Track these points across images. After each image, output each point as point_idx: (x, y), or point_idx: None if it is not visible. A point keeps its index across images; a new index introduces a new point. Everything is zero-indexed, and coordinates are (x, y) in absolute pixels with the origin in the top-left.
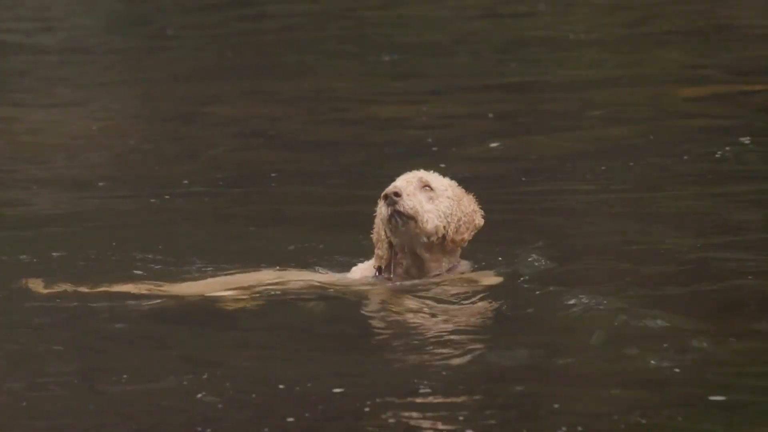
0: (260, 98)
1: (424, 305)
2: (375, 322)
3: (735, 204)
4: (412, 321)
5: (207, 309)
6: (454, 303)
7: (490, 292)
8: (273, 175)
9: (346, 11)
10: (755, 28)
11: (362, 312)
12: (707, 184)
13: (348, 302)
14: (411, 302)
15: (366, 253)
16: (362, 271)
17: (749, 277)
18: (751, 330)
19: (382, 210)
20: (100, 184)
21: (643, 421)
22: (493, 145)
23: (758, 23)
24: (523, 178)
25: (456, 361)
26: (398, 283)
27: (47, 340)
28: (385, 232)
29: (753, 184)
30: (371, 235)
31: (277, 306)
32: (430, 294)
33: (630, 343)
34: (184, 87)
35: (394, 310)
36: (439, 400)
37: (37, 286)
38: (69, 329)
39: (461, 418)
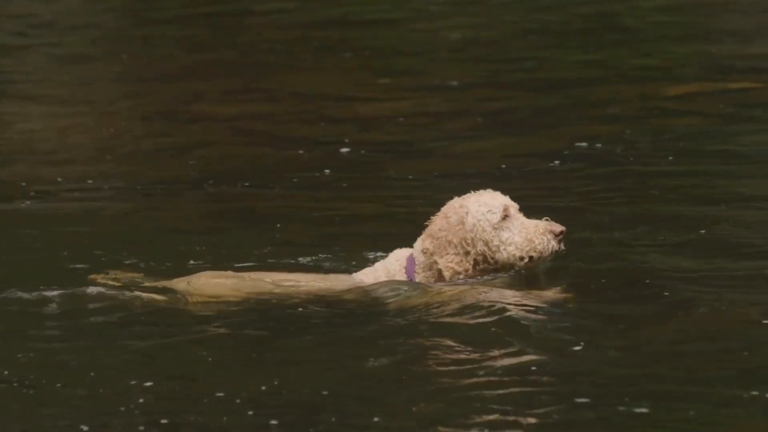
0: (245, 96)
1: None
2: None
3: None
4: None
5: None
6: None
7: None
8: (259, 173)
9: (329, 8)
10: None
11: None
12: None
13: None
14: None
15: (353, 250)
16: (387, 274)
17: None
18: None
19: (547, 244)
20: (89, 182)
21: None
22: (479, 143)
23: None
24: (510, 177)
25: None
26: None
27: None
28: (513, 256)
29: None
30: (426, 246)
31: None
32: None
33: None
34: (168, 85)
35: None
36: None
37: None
38: (64, 330)
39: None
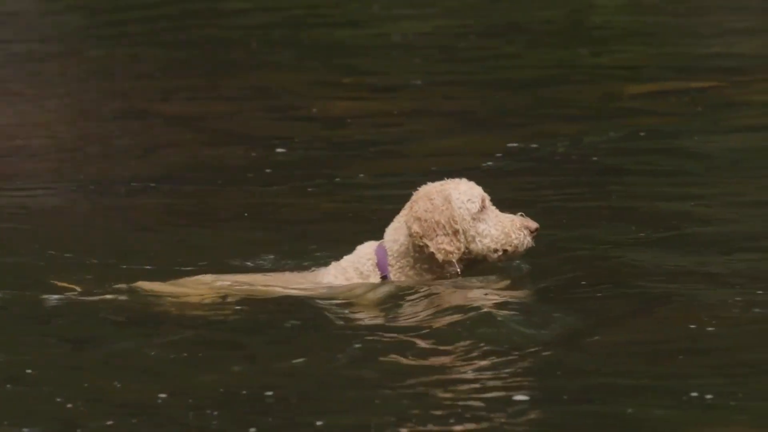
0: (210, 95)
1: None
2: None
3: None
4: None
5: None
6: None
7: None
8: (223, 172)
9: (293, 8)
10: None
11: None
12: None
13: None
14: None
15: (319, 249)
16: (352, 274)
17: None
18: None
19: (524, 240)
20: (49, 180)
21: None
22: (446, 141)
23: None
24: (473, 176)
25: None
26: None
27: None
28: (487, 249)
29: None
30: (422, 240)
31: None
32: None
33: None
34: (133, 84)
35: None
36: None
37: None
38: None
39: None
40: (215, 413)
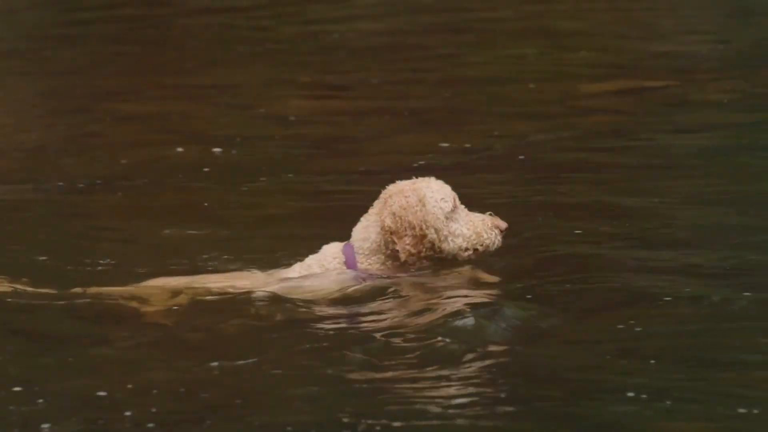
0: (165, 93)
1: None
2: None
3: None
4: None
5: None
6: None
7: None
8: (176, 170)
9: (248, 6)
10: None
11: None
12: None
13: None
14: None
15: (277, 249)
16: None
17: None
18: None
19: (495, 239)
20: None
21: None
22: (403, 139)
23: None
24: (432, 174)
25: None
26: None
27: None
28: (459, 248)
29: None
30: (389, 224)
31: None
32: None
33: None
34: (86, 81)
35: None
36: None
37: None
38: None
39: None
40: (153, 410)
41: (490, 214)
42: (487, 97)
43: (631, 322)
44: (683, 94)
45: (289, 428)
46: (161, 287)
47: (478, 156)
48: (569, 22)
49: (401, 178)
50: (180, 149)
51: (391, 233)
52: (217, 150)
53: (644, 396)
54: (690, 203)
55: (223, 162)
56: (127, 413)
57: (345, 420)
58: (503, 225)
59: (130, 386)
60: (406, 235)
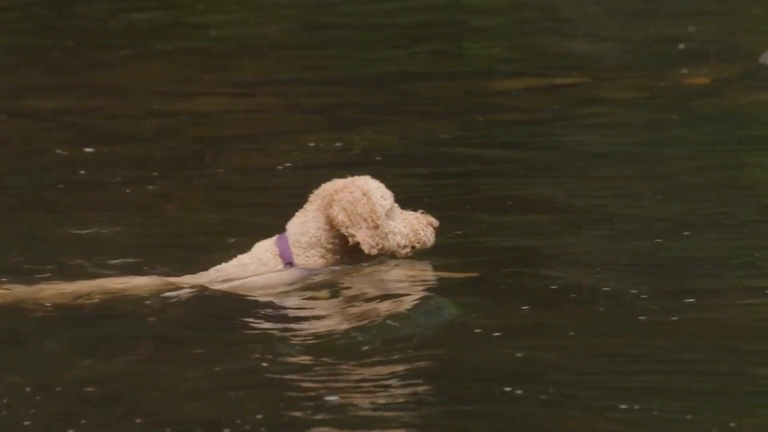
0: (71, 91)
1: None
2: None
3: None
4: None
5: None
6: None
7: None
8: (83, 168)
9: (157, 5)
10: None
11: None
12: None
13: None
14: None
15: (189, 252)
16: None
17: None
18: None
19: (429, 236)
20: None
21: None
22: (310, 138)
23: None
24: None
25: None
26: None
27: None
28: (399, 246)
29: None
30: (342, 219)
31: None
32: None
33: None
34: None
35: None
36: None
37: None
38: None
39: None
40: (62, 408)
41: (422, 212)
42: (397, 96)
43: (560, 316)
44: (592, 92)
45: (189, 424)
46: (61, 291)
47: (389, 153)
48: (479, 19)
49: (313, 176)
50: (81, 148)
51: (347, 227)
52: (120, 149)
53: (566, 392)
54: (607, 197)
55: (127, 160)
56: (32, 410)
57: (258, 417)
58: (435, 222)
59: (28, 389)
60: (360, 228)
